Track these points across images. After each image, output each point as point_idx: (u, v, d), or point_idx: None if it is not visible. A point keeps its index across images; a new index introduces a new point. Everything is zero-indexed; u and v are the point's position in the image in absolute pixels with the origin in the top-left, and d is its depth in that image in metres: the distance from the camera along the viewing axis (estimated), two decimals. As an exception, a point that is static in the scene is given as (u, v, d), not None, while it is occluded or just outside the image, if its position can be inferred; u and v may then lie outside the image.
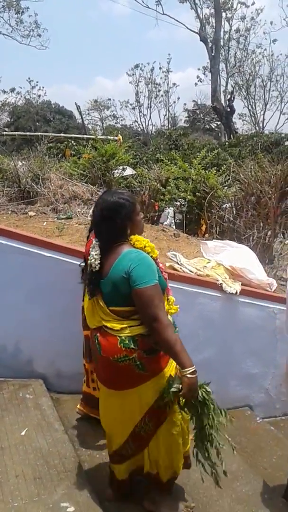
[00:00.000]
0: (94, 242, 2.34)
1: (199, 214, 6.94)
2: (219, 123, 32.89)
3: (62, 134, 15.25)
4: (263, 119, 36.57)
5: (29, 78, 36.88)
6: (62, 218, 5.76)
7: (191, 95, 72.96)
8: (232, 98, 28.17)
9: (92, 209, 3.13)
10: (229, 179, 7.38)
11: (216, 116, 31.74)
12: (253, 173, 6.54)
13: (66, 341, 3.51)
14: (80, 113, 21.54)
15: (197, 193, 7.02)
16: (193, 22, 36.11)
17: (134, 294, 2.18)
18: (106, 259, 2.30)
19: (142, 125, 38.77)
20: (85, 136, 13.47)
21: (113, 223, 2.30)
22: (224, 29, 31.12)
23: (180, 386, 2.19)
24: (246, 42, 33.36)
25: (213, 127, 38.73)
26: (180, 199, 7.32)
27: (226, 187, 7.14)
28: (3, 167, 6.94)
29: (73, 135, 14.49)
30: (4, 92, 34.10)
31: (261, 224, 5.64)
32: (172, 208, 7.81)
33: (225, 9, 30.27)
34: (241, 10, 32.92)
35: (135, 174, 8.85)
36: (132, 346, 2.21)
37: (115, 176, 8.03)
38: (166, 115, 39.26)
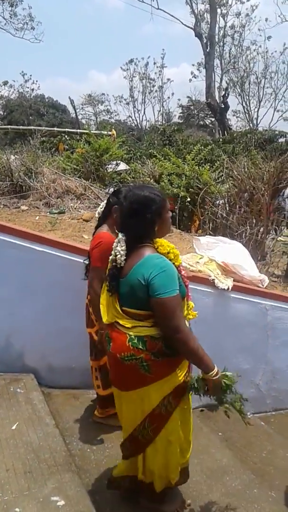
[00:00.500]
0: (120, 236, 2.25)
1: (192, 210, 6.94)
2: (213, 119, 32.94)
3: (55, 128, 15.20)
4: (257, 116, 36.74)
5: (22, 72, 36.94)
6: (55, 213, 5.74)
7: (185, 91, 73.13)
8: (226, 95, 28.22)
9: (100, 206, 3.10)
10: (222, 175, 7.39)
11: (210, 112, 31.80)
12: (246, 169, 6.56)
13: (57, 336, 3.51)
14: (73, 107, 21.49)
15: (190, 189, 7.03)
16: (188, 18, 36.16)
17: (154, 303, 2.10)
18: (127, 259, 2.22)
19: (136, 120, 38.80)
20: (78, 130, 13.44)
21: (142, 218, 2.20)
22: (219, 25, 31.17)
23: (206, 387, 2.25)
24: (241, 38, 33.47)
25: (207, 123, 38.81)
26: (173, 195, 7.32)
27: (219, 184, 7.15)
28: (-4, 161, 6.91)
29: (66, 130, 14.44)
30: (-3, 85, 33.93)
31: (254, 221, 5.66)
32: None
33: (220, 5, 30.25)
34: (236, 7, 32.99)
35: (129, 169, 8.84)
36: (140, 347, 2.16)
37: (108, 171, 8.02)
38: (160, 110, 39.32)
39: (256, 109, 36.60)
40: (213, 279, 3.81)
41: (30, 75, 37.07)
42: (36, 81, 37.66)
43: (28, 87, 37.24)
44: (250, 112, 36.65)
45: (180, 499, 2.62)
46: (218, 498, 2.74)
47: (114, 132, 12.23)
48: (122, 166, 9.08)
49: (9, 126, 19.79)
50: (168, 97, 39.19)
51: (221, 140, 20.11)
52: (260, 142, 18.67)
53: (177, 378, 2.26)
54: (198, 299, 3.78)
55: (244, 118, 37.13)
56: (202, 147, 8.97)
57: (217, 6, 28.34)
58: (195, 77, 35.82)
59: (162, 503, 2.49)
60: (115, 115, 41.24)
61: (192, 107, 39.52)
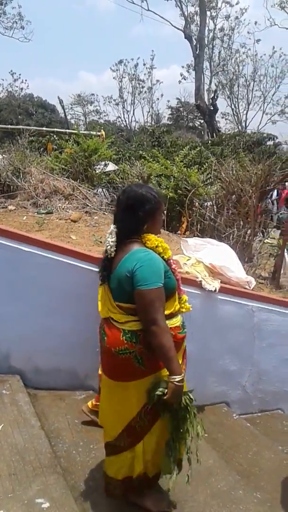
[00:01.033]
0: (112, 228, 2.33)
1: (180, 212, 6.96)
2: (202, 121, 33.10)
3: (44, 128, 15.14)
4: (246, 119, 37.04)
5: (11, 71, 36.59)
6: (43, 213, 5.72)
7: (174, 92, 73.42)
8: (215, 97, 28.37)
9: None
10: (210, 177, 7.42)
11: (199, 114, 31.91)
12: (234, 172, 6.59)
13: (44, 337, 3.48)
14: (62, 107, 21.47)
15: (178, 191, 7.04)
16: (178, 20, 36.21)
17: (135, 294, 2.17)
18: (117, 253, 2.31)
19: (126, 121, 38.80)
20: (67, 130, 13.38)
21: (134, 215, 2.28)
22: (209, 28, 31.39)
23: (166, 390, 2.21)
24: (230, 41, 33.75)
25: (196, 125, 38.99)
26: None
27: (207, 186, 7.18)
28: (-17, 160, 6.85)
29: (55, 129, 14.37)
30: (-14, 84, 33.69)
31: (241, 223, 5.69)
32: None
33: (210, 8, 30.43)
34: (225, 9, 33.27)
35: (118, 170, 8.84)
36: (133, 341, 2.22)
37: (97, 171, 8.00)
38: (149, 111, 39.36)
39: (245, 112, 36.94)
40: (200, 281, 3.82)
41: (19, 74, 36.93)
42: (25, 80, 37.46)
43: (17, 86, 37.10)
44: (239, 115, 36.97)
45: (167, 500, 2.62)
46: (204, 500, 2.74)
47: (103, 133, 12.21)
48: (111, 166, 9.07)
49: (-3, 125, 19.66)
50: (158, 99, 39.43)
51: (209, 142, 20.24)
52: (249, 144, 18.84)
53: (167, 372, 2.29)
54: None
55: (233, 121, 37.46)
56: (191, 149, 9.00)
57: (206, 9, 28.52)
58: (185, 79, 36.03)
59: (149, 497, 2.50)
60: (105, 116, 41.25)
61: (181, 108, 39.69)
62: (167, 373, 2.25)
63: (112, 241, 2.30)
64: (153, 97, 38.96)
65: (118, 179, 8.05)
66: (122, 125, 38.06)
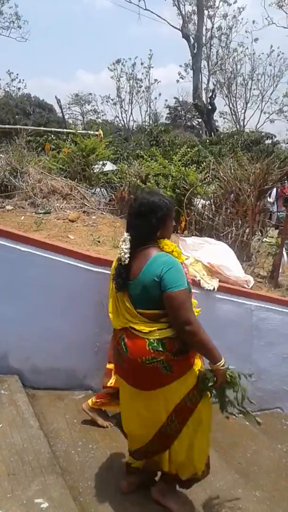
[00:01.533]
0: (125, 235, 2.37)
1: (178, 211, 6.95)
2: (200, 120, 33.10)
3: (41, 128, 15.12)
4: (244, 118, 36.99)
5: (8, 70, 36.52)
6: (40, 213, 5.70)
7: (172, 91, 73.33)
8: (213, 96, 28.42)
9: None
10: (208, 176, 7.41)
11: (197, 113, 31.91)
12: (232, 171, 6.59)
13: (42, 337, 3.48)
14: (60, 107, 21.35)
15: (176, 190, 7.03)
16: (176, 19, 36.18)
17: (166, 297, 2.21)
18: (134, 260, 2.33)
19: (123, 120, 38.71)
20: (65, 130, 13.35)
21: (147, 222, 2.32)
22: (206, 27, 31.35)
23: (214, 378, 2.32)
24: (228, 40, 33.61)
25: (194, 124, 38.94)
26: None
27: (205, 185, 7.17)
28: (-19, 160, 6.83)
29: (53, 129, 14.36)
30: (-17, 84, 33.64)
31: (240, 222, 5.68)
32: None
33: (207, 7, 30.40)
34: (223, 8, 32.97)
35: (116, 169, 8.82)
36: (160, 349, 2.24)
37: (95, 171, 7.99)
38: (147, 111, 39.28)
39: (243, 111, 36.88)
40: (199, 280, 3.82)
41: (17, 74, 36.83)
42: (23, 80, 37.41)
43: (14, 86, 37.02)
44: (237, 114, 36.90)
45: (191, 506, 2.64)
46: (203, 499, 2.74)
47: (101, 132, 12.19)
48: (109, 166, 9.05)
49: (-5, 125, 19.61)
50: (155, 98, 39.34)
51: (208, 141, 20.24)
52: (247, 143, 18.85)
53: (197, 368, 2.38)
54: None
55: (231, 120, 37.36)
56: (189, 150, 8.99)
57: (204, 8, 28.53)
58: (182, 78, 35.94)
59: (173, 501, 2.54)
60: (102, 115, 41.11)
61: (179, 108, 39.62)
62: (199, 367, 2.36)
63: (126, 248, 2.33)
64: (151, 96, 38.93)
65: (116, 179, 8.03)
66: (120, 125, 37.94)
